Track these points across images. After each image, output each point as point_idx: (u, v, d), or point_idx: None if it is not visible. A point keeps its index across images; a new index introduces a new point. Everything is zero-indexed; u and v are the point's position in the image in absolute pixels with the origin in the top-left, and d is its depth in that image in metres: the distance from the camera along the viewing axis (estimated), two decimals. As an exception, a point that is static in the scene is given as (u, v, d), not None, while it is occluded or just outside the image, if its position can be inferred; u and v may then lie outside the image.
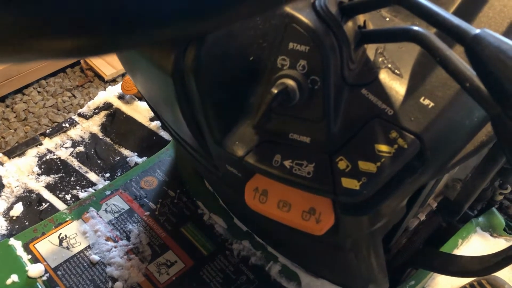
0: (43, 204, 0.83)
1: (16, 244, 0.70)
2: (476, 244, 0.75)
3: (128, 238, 0.72)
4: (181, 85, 0.36)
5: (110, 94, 1.02)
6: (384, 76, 0.37)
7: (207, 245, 0.71)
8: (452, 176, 0.71)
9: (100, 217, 0.74)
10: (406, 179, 0.37)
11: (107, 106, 1.00)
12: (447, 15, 0.27)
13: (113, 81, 1.45)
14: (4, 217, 0.80)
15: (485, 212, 0.79)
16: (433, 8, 0.28)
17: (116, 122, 0.98)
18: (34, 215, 0.80)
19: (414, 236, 0.72)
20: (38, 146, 0.94)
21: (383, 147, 0.35)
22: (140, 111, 0.99)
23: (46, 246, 0.71)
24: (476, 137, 0.38)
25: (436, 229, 0.75)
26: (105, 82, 1.45)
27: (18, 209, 0.81)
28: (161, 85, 0.38)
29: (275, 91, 0.33)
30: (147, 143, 0.94)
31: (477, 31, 0.25)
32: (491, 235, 0.77)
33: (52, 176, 0.89)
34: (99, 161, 0.91)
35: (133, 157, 0.91)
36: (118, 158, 0.91)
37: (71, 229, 0.73)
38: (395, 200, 0.40)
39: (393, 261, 0.68)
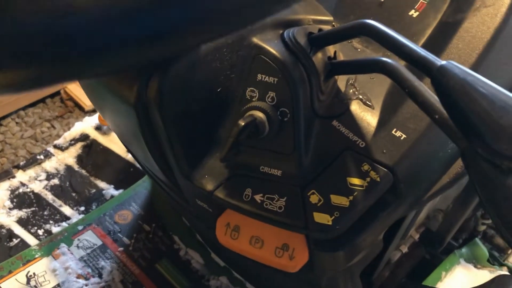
0: (14, 239, 0.79)
1: (-19, 283, 0.67)
2: (460, 276, 0.73)
3: (100, 276, 0.68)
4: (145, 117, 0.35)
5: (87, 125, 1.00)
6: (356, 108, 0.36)
7: (183, 281, 0.68)
8: (433, 207, 0.70)
9: (72, 253, 0.71)
10: (380, 213, 0.36)
11: (84, 137, 0.98)
12: (413, 46, 0.27)
13: (94, 111, 1.43)
14: (-29, 254, 0.76)
15: (468, 243, 0.78)
16: (400, 40, 0.28)
17: (93, 154, 0.96)
18: (4, 251, 0.77)
19: (397, 269, 0.70)
20: (11, 179, 0.91)
21: (356, 181, 0.34)
22: (117, 142, 0.97)
23: (12, 285, 0.67)
24: (451, 169, 0.38)
25: (420, 261, 0.73)
26: (85, 113, 1.44)
27: (-14, 246, 0.77)
28: (126, 118, 0.36)
29: (242, 124, 0.32)
30: (124, 174, 0.91)
31: (443, 62, 0.25)
32: (475, 266, 0.76)
33: (25, 210, 0.85)
34: (74, 194, 0.88)
35: (109, 190, 0.88)
36: (94, 190, 0.89)
37: (40, 266, 0.70)
38: (371, 234, 0.38)
39: (376, 295, 0.66)
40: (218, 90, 0.35)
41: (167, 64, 0.32)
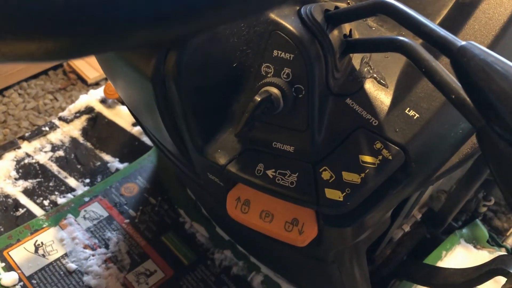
0: (20, 209, 0.80)
1: (-11, 251, 0.68)
2: (460, 255, 0.75)
3: (106, 246, 0.70)
4: (162, 91, 0.35)
5: (92, 98, 1.00)
6: (370, 86, 0.36)
7: (188, 254, 0.69)
8: (437, 188, 0.71)
9: (78, 224, 0.72)
10: (390, 191, 0.36)
11: (89, 110, 0.98)
12: (433, 26, 0.27)
13: (96, 84, 1.43)
14: (-22, 222, 0.77)
15: (469, 224, 0.79)
16: (420, 19, 0.28)
17: (98, 127, 0.96)
18: (10, 220, 0.78)
19: (399, 247, 0.71)
20: (16, 149, 0.92)
21: (368, 158, 0.34)
22: (123, 116, 0.97)
23: (21, 253, 0.68)
24: (460, 150, 0.38)
25: (421, 240, 0.75)
26: (88, 86, 1.43)
27: (-7, 215, 0.78)
28: (141, 91, 0.36)
29: (258, 99, 0.32)
30: (129, 148, 0.92)
31: (463, 43, 0.25)
32: (475, 247, 0.77)
33: (30, 181, 0.86)
34: (79, 166, 0.89)
35: (114, 163, 0.89)
36: (99, 163, 0.89)
37: (48, 236, 0.71)
38: (379, 212, 0.39)
39: (377, 272, 0.67)
40: (234, 65, 0.35)
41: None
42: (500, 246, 0.79)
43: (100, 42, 0.13)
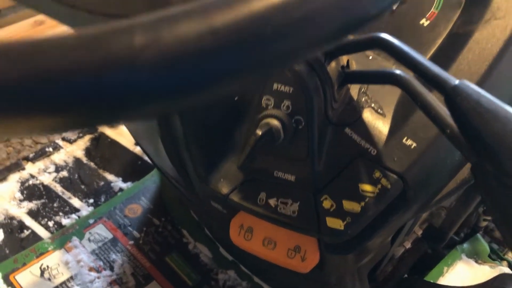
0: (25, 231, 0.81)
1: (-5, 275, 0.69)
2: (461, 271, 0.75)
3: (111, 268, 0.70)
4: (165, 122, 0.36)
5: (95, 118, 1.01)
6: (368, 116, 0.37)
7: (192, 275, 0.70)
8: (437, 204, 0.71)
9: (83, 247, 0.73)
10: (390, 218, 0.37)
11: (92, 130, 1.00)
12: (428, 63, 0.28)
13: (99, 102, 1.44)
14: (-17, 245, 0.78)
15: (470, 238, 0.80)
16: (415, 56, 0.29)
17: (101, 147, 0.97)
18: (15, 243, 0.79)
19: (400, 264, 0.72)
20: (21, 171, 0.93)
21: (367, 187, 0.35)
22: (125, 135, 0.98)
23: (27, 277, 0.69)
24: (457, 176, 0.39)
25: (422, 256, 0.75)
26: (90, 104, 1.45)
27: (-2, 237, 0.79)
28: (145, 123, 0.37)
29: (260, 133, 0.33)
30: (132, 168, 0.93)
31: (457, 82, 0.26)
32: (476, 261, 0.78)
33: (35, 202, 0.87)
34: (83, 187, 0.90)
35: (118, 182, 0.90)
36: (102, 183, 0.90)
37: (53, 259, 0.71)
38: (380, 237, 0.40)
39: (379, 290, 0.68)
40: (236, 98, 0.36)
41: None
42: (502, 259, 0.80)
43: (117, 118, 0.14)
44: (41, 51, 0.13)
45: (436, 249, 0.77)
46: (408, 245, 0.72)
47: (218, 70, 0.13)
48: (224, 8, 0.13)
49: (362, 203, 0.35)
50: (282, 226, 0.38)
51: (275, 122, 0.35)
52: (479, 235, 0.80)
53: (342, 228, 0.35)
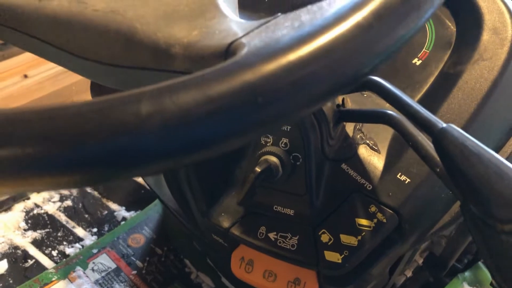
0: (29, 260, 0.82)
1: (-1, 305, 0.69)
2: (463, 299, 0.75)
3: (114, 298, 0.71)
4: None
5: (99, 148, 1.03)
6: (363, 152, 0.39)
7: (194, 304, 0.70)
8: (437, 232, 0.72)
9: (87, 277, 0.73)
10: (386, 251, 0.38)
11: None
12: (417, 106, 0.30)
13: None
14: (-12, 275, 0.79)
15: (472, 266, 0.80)
16: (405, 99, 0.30)
17: (105, 176, 0.98)
18: (19, 273, 0.79)
19: (402, 293, 0.72)
20: (25, 200, 0.94)
21: (363, 221, 0.36)
22: (129, 165, 1.00)
23: (30, 308, 0.69)
24: (452, 209, 0.40)
25: (424, 285, 0.75)
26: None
27: (2, 267, 0.79)
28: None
29: (259, 170, 0.35)
30: (135, 197, 0.94)
31: (444, 125, 0.27)
32: (478, 289, 0.78)
33: (39, 231, 0.88)
34: (86, 216, 0.91)
35: (121, 211, 0.91)
36: (106, 212, 0.91)
37: (57, 289, 0.72)
38: (377, 269, 0.41)
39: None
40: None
41: None
42: (504, 288, 0.80)
43: (122, 177, 0.15)
44: (58, 118, 0.15)
45: (438, 277, 0.77)
46: (409, 273, 0.72)
47: (214, 133, 0.15)
48: (219, 79, 0.15)
49: (359, 237, 0.36)
50: (281, 260, 0.39)
51: (273, 159, 0.36)
52: (480, 263, 0.80)
53: (340, 261, 0.36)
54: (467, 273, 0.79)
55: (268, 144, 0.38)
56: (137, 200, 0.93)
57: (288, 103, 0.16)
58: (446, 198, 0.39)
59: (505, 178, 0.23)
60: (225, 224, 0.40)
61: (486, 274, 0.79)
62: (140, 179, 0.97)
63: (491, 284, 0.79)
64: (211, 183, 0.40)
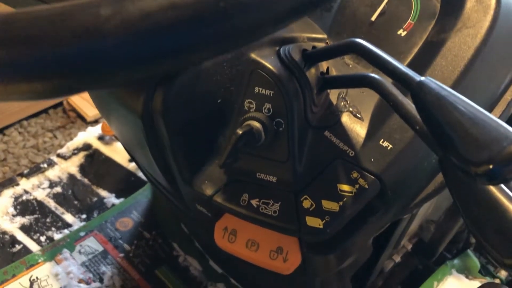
0: (16, 245, 0.81)
1: (-16, 287, 0.69)
2: (451, 286, 0.75)
3: (101, 280, 0.70)
4: (150, 127, 0.37)
5: (89, 135, 1.02)
6: (346, 119, 0.39)
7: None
8: (426, 218, 0.72)
9: (74, 259, 0.73)
10: (369, 218, 0.38)
11: (86, 147, 1.01)
12: (396, 63, 0.30)
13: (95, 122, 1.46)
14: (-26, 259, 0.78)
15: (461, 254, 0.80)
16: (385, 57, 0.31)
17: (95, 163, 0.98)
18: (7, 257, 0.79)
19: (390, 279, 0.72)
20: (15, 186, 0.93)
21: (345, 187, 0.36)
22: (119, 152, 1.00)
23: (15, 289, 0.69)
24: (436, 178, 0.40)
25: (412, 271, 0.75)
26: (87, 123, 1.46)
27: (-10, 251, 0.79)
28: (132, 127, 0.39)
29: (240, 132, 0.35)
30: (125, 184, 0.93)
31: (422, 78, 0.27)
32: (467, 277, 0.78)
33: (27, 217, 0.88)
34: (76, 202, 0.90)
35: (111, 198, 0.90)
36: (96, 199, 0.91)
37: (43, 271, 0.71)
38: (360, 238, 0.41)
39: (369, 303, 0.68)
40: (219, 101, 0.38)
41: (171, 77, 0.35)
42: (494, 277, 0.80)
43: (88, 84, 0.15)
44: (15, 22, 0.14)
45: (426, 264, 0.77)
46: (397, 259, 0.72)
47: (175, 41, 0.15)
48: None
49: (341, 203, 0.36)
50: (264, 226, 0.39)
51: (256, 124, 0.36)
52: (469, 251, 0.81)
53: (321, 226, 0.36)
54: (455, 261, 0.79)
55: (251, 110, 0.38)
56: (127, 187, 0.92)
57: (252, 12, 0.15)
58: (430, 167, 0.39)
59: (480, 123, 0.23)
60: (208, 191, 0.40)
61: (475, 262, 0.79)
62: (131, 166, 0.97)
63: (480, 271, 0.79)
64: (195, 151, 0.40)
